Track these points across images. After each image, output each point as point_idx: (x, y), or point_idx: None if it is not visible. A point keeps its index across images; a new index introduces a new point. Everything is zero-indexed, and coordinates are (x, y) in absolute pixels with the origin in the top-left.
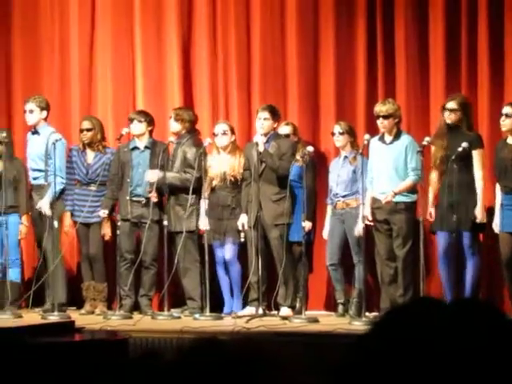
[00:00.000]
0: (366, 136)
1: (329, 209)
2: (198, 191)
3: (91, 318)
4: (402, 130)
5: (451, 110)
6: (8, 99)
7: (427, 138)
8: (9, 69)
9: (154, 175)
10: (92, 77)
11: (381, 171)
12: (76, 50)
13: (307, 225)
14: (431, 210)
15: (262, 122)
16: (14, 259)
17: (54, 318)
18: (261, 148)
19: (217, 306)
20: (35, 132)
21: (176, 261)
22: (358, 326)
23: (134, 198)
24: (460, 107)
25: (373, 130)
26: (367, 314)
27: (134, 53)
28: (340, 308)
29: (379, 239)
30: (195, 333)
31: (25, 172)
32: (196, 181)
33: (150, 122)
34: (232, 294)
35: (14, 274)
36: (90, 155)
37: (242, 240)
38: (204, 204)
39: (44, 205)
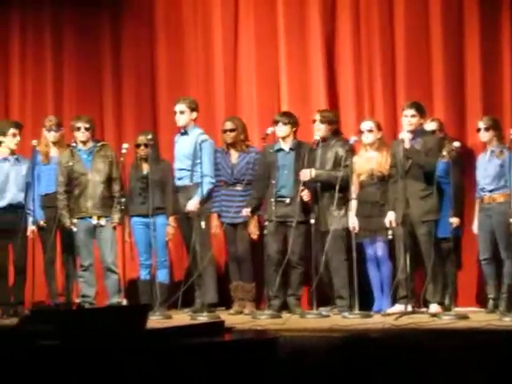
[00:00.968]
0: None
1: (477, 203)
2: (347, 190)
3: (240, 318)
4: None
5: None
6: (153, 101)
7: None
8: (154, 72)
9: (306, 174)
10: (237, 78)
11: None
12: (220, 51)
13: (455, 221)
14: None
15: (409, 119)
16: (162, 260)
17: (203, 318)
18: (407, 145)
19: (364, 304)
20: (184, 133)
21: (324, 259)
22: (509, 322)
23: (279, 199)
24: None
25: None
26: None
27: (278, 53)
28: (490, 304)
29: None
30: (344, 331)
31: (171, 173)
32: (345, 179)
33: (295, 123)
34: (382, 292)
35: (162, 275)
36: (234, 155)
37: (390, 237)
38: (353, 203)
39: (192, 205)
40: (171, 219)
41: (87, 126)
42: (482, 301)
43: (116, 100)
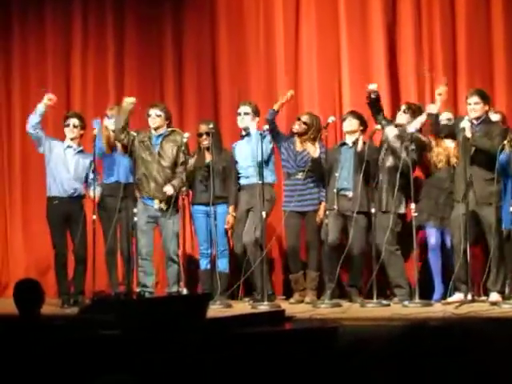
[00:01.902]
0: None
1: None
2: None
3: (300, 307)
4: None
5: None
6: (214, 92)
7: None
8: (215, 62)
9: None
10: (298, 68)
11: None
12: (281, 41)
13: None
14: None
15: (473, 107)
16: (222, 250)
17: (264, 307)
18: (468, 134)
19: (426, 293)
20: (247, 134)
21: (384, 248)
22: None
23: (341, 192)
24: None
25: None
26: None
27: (340, 42)
28: None
29: None
30: (405, 320)
31: (233, 163)
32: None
33: (362, 121)
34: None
35: (222, 265)
36: (299, 144)
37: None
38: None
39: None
40: (231, 208)
41: (158, 113)
42: None
43: (177, 90)
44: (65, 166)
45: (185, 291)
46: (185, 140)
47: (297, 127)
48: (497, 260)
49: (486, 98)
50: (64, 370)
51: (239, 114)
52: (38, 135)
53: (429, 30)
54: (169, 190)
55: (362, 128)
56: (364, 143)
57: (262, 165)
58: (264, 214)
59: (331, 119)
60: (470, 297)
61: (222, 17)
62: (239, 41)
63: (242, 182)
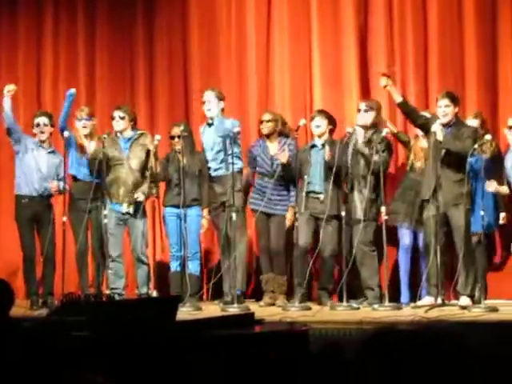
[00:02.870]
0: None
1: None
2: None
3: (270, 310)
4: None
5: None
6: (185, 91)
7: None
8: (186, 62)
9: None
10: (269, 68)
11: None
12: (253, 40)
13: (503, 216)
14: None
15: (443, 110)
16: (194, 252)
17: (234, 309)
18: (439, 137)
19: (398, 295)
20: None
21: (354, 251)
22: None
23: (311, 195)
24: None
25: None
26: None
27: (311, 43)
28: None
29: None
30: (374, 323)
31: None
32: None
33: (331, 121)
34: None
35: (193, 267)
36: (272, 147)
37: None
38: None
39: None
40: (205, 211)
41: (122, 115)
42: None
43: (148, 90)
44: (37, 165)
45: (154, 293)
46: (156, 143)
47: (265, 129)
48: (466, 263)
49: (455, 100)
50: (34, 372)
51: (203, 103)
52: (18, 130)
53: (400, 31)
54: (140, 196)
55: (330, 127)
56: (331, 149)
57: (232, 152)
58: (234, 215)
59: (302, 122)
60: (440, 300)
61: (193, 17)
62: (211, 41)
63: (212, 173)
